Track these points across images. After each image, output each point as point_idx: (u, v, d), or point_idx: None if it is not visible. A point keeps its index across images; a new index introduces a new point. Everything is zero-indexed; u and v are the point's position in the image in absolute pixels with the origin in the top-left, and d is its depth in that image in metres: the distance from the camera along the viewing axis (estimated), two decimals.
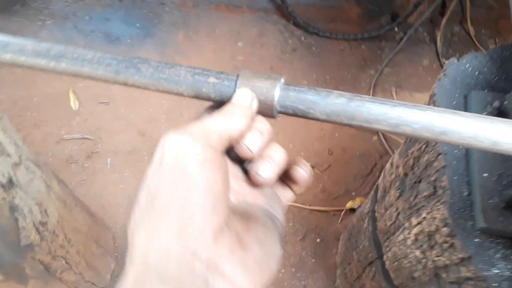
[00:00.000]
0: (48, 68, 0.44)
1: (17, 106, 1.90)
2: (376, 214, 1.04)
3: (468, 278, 0.69)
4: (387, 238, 0.95)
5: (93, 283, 1.39)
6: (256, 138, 0.38)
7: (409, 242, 0.84)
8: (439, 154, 0.73)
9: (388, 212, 0.95)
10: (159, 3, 2.31)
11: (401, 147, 0.98)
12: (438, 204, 0.73)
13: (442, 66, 2.08)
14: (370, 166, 1.75)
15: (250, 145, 0.37)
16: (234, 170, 0.40)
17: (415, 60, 2.12)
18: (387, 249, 0.95)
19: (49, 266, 1.14)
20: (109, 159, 1.80)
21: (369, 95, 1.96)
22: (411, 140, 0.90)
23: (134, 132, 1.87)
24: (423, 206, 0.79)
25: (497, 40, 2.18)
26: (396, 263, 0.91)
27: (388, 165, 1.02)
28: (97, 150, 1.82)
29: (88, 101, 1.93)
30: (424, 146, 0.81)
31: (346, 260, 1.34)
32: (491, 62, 0.85)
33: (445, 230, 0.70)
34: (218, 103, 0.41)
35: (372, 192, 1.14)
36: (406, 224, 0.85)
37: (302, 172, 0.41)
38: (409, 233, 0.83)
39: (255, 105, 0.39)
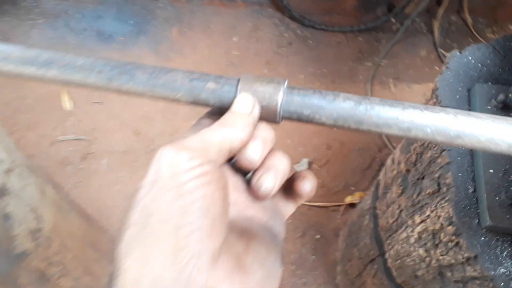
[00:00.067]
0: (37, 76, 0.41)
1: (9, 108, 1.86)
2: (378, 211, 1.02)
3: (474, 278, 0.67)
4: (389, 236, 0.93)
5: None
6: (258, 147, 0.35)
7: (412, 240, 0.82)
8: (443, 150, 0.71)
9: (390, 209, 0.93)
10: None
11: (402, 142, 0.96)
12: (442, 201, 0.71)
13: (439, 57, 2.06)
14: (368, 160, 1.73)
15: (252, 156, 0.35)
16: (234, 180, 0.38)
17: (413, 51, 2.09)
18: (389, 246, 0.93)
19: (45, 273, 1.12)
20: (104, 160, 1.77)
21: (366, 87, 1.94)
22: None
23: (129, 131, 1.84)
24: (426, 203, 0.77)
25: (494, 29, 2.15)
26: (398, 261, 0.90)
27: (389, 161, 1.00)
28: (92, 151, 1.79)
29: (82, 101, 1.90)
30: (427, 141, 0.79)
31: (347, 257, 1.32)
32: (494, 53, 0.82)
33: (450, 228, 0.68)
34: (218, 108, 0.39)
35: (372, 188, 1.12)
36: (409, 222, 0.83)
37: (306, 186, 0.38)
38: (412, 231, 0.81)
39: (257, 112, 0.36)
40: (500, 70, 0.81)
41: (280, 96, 0.36)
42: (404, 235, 0.85)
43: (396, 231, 0.89)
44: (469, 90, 0.78)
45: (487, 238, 0.64)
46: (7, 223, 0.91)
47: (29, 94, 1.90)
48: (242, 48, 2.10)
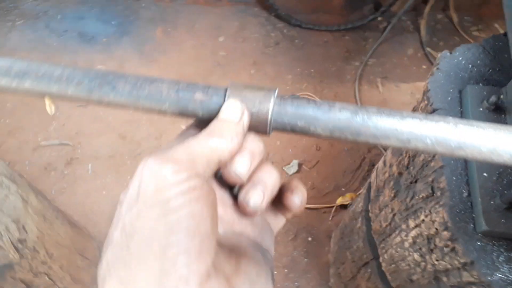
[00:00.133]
0: (10, 89, 0.38)
1: None
2: (370, 214, 1.01)
3: (471, 283, 0.66)
4: (383, 240, 0.92)
5: None
6: (247, 161, 0.33)
7: (406, 244, 0.81)
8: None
9: (383, 212, 0.92)
10: None
11: None
12: (437, 206, 0.70)
13: (426, 55, 2.07)
14: (358, 161, 1.73)
15: (239, 171, 0.32)
16: (220, 194, 0.36)
17: (400, 50, 2.09)
18: (383, 250, 0.92)
19: (31, 284, 1.09)
20: (89, 165, 1.73)
21: (354, 87, 1.93)
22: None
23: (114, 135, 1.80)
24: (420, 207, 0.76)
25: (480, 27, 2.17)
26: (393, 265, 0.89)
27: (380, 163, 0.99)
28: (77, 156, 1.75)
29: (64, 105, 1.85)
30: (427, 153, 0.78)
31: (340, 260, 1.31)
32: (484, 54, 0.82)
33: (445, 234, 0.67)
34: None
35: (364, 191, 1.11)
36: (403, 226, 0.82)
37: (296, 200, 0.36)
38: (406, 236, 0.80)
39: (246, 119, 0.34)
40: (490, 70, 0.80)
41: (270, 104, 0.34)
42: (398, 239, 0.84)
43: (390, 235, 0.88)
44: (460, 92, 0.77)
45: (483, 243, 0.63)
46: None
47: (9, 98, 1.85)
48: (229, 48, 2.08)
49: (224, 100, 0.35)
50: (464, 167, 0.69)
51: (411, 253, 0.80)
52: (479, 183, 0.65)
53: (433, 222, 0.70)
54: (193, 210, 0.27)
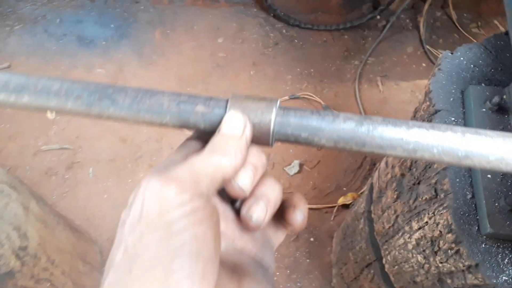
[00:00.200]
0: (8, 103, 0.37)
1: None
2: (373, 215, 1.00)
3: (475, 285, 0.65)
4: (386, 241, 0.92)
5: None
6: (250, 175, 0.32)
7: (410, 246, 0.80)
8: None
9: (385, 214, 0.91)
10: (133, 1, 2.23)
11: None
12: (440, 208, 0.69)
13: (426, 53, 2.06)
14: (359, 160, 1.72)
15: (243, 185, 0.32)
16: (222, 209, 0.35)
17: (399, 48, 2.08)
18: (386, 252, 0.92)
19: None
20: (90, 169, 1.72)
21: (354, 86, 1.93)
22: None
23: (115, 138, 1.80)
24: (424, 209, 0.75)
25: (479, 24, 2.16)
26: (396, 267, 0.88)
27: (383, 164, 0.99)
28: (78, 160, 1.74)
29: None
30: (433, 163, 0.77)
31: (342, 260, 1.30)
32: (485, 53, 0.81)
33: (449, 236, 0.66)
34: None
35: (366, 192, 1.10)
36: (406, 228, 0.81)
37: (299, 216, 0.36)
38: (409, 238, 0.80)
39: (249, 132, 0.33)
40: (492, 70, 0.79)
41: (273, 116, 0.34)
42: (401, 241, 0.83)
43: (393, 236, 0.87)
44: (462, 92, 0.76)
45: (487, 246, 0.63)
46: None
47: None
48: (228, 50, 2.07)
49: (225, 112, 0.35)
50: (467, 169, 0.68)
51: (414, 255, 0.79)
52: (483, 185, 0.64)
53: (437, 224, 0.70)
54: (196, 232, 0.26)
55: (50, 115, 1.84)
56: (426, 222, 0.73)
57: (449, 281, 0.72)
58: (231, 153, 0.31)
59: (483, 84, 0.76)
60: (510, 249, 0.63)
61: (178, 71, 1.99)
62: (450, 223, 0.66)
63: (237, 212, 0.36)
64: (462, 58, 0.80)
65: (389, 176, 0.92)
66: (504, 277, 0.61)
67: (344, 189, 1.65)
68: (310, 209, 1.61)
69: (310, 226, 1.58)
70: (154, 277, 0.25)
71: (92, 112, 0.36)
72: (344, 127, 0.34)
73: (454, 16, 2.16)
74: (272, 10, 2.13)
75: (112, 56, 2.03)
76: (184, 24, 2.16)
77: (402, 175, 0.86)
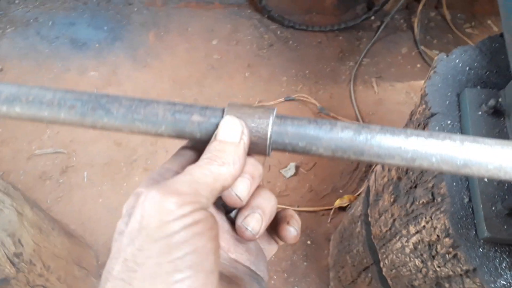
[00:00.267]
0: (0, 114, 0.37)
1: None
2: (370, 219, 1.00)
3: None
4: (383, 245, 0.92)
5: None
6: (247, 184, 0.32)
7: (407, 250, 0.80)
8: None
9: (383, 217, 0.91)
10: (126, 3, 2.21)
11: None
12: (437, 212, 0.69)
13: (420, 54, 2.06)
14: (355, 162, 1.72)
15: (240, 194, 0.32)
16: (217, 219, 0.35)
17: (394, 49, 2.09)
18: (384, 255, 0.92)
19: None
20: (85, 173, 1.71)
21: (349, 87, 1.93)
22: None
23: (109, 142, 1.78)
24: (421, 213, 0.75)
25: (473, 24, 2.17)
26: (394, 270, 0.88)
27: (379, 167, 0.99)
28: (72, 164, 1.73)
29: None
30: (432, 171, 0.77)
31: (339, 263, 1.30)
32: (480, 55, 0.81)
33: (447, 240, 0.66)
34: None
35: (363, 195, 1.10)
36: (404, 232, 0.81)
37: (293, 231, 0.36)
38: (407, 242, 0.80)
39: (246, 139, 0.32)
40: (488, 72, 0.79)
41: (270, 125, 0.33)
42: (398, 244, 0.83)
43: (390, 240, 0.87)
44: (458, 95, 0.76)
45: (485, 250, 0.63)
46: None
47: None
48: (223, 51, 2.06)
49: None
50: None
51: (412, 259, 0.79)
52: (480, 189, 0.64)
53: (434, 228, 0.70)
54: (197, 245, 0.26)
55: None
56: (424, 226, 0.73)
57: (447, 285, 0.72)
58: (229, 162, 0.30)
59: (478, 87, 0.76)
60: (507, 253, 0.63)
61: (172, 73, 1.98)
62: (447, 227, 0.66)
63: (232, 222, 0.36)
64: (457, 61, 0.80)
65: (385, 179, 0.92)
66: (502, 282, 0.61)
67: (341, 191, 1.65)
68: (306, 211, 1.61)
69: (307, 229, 1.58)
70: None
71: (85, 122, 0.36)
72: (342, 136, 0.33)
73: (448, 16, 2.17)
74: (266, 11, 2.12)
75: (106, 58, 2.02)
76: (178, 26, 2.15)
77: (399, 178, 0.86)
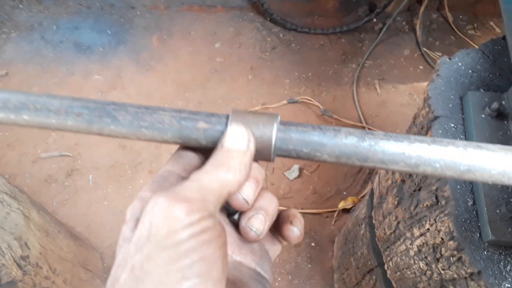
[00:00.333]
0: (8, 122, 0.37)
1: None
2: (374, 221, 1.00)
3: None
4: (387, 247, 0.92)
5: None
6: (253, 187, 0.33)
7: (411, 253, 0.81)
8: None
9: (387, 220, 0.91)
10: (129, 7, 2.22)
11: None
12: (442, 215, 0.69)
13: (423, 55, 2.07)
14: None
15: (247, 197, 0.33)
16: (221, 221, 0.36)
17: (396, 51, 2.09)
18: (388, 258, 0.92)
19: None
20: (90, 176, 1.72)
21: (352, 89, 1.93)
22: None
23: (114, 145, 1.79)
24: (425, 216, 0.75)
25: (475, 25, 2.17)
26: (398, 273, 0.88)
27: (383, 170, 0.99)
28: (77, 167, 1.74)
29: None
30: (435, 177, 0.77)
31: (344, 265, 1.31)
32: (483, 58, 0.82)
33: (451, 243, 0.67)
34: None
35: (367, 197, 1.11)
36: (408, 234, 0.81)
37: (296, 231, 0.37)
38: (411, 244, 0.80)
39: (252, 147, 0.33)
40: (490, 75, 0.80)
41: (274, 131, 0.34)
42: (403, 247, 0.84)
43: (394, 243, 0.88)
44: (461, 98, 0.77)
45: (489, 253, 0.63)
46: None
47: None
48: (225, 54, 2.07)
49: (226, 128, 0.35)
50: None
51: (416, 262, 0.79)
52: (484, 192, 0.65)
53: (439, 231, 0.70)
54: (205, 253, 0.26)
55: None
56: (428, 228, 0.74)
57: None
58: (236, 169, 0.31)
59: (481, 90, 0.77)
60: None
61: (175, 77, 1.99)
62: (451, 230, 0.66)
63: (235, 224, 0.36)
64: (460, 64, 0.80)
65: (389, 182, 0.93)
66: (507, 285, 0.61)
67: (344, 193, 1.66)
68: (310, 213, 1.61)
69: (311, 230, 1.58)
70: None
71: (92, 129, 0.37)
72: (346, 142, 0.34)
73: (450, 18, 2.17)
74: (269, 14, 2.13)
75: (110, 62, 2.03)
76: (181, 29, 2.17)
77: (403, 181, 0.86)
